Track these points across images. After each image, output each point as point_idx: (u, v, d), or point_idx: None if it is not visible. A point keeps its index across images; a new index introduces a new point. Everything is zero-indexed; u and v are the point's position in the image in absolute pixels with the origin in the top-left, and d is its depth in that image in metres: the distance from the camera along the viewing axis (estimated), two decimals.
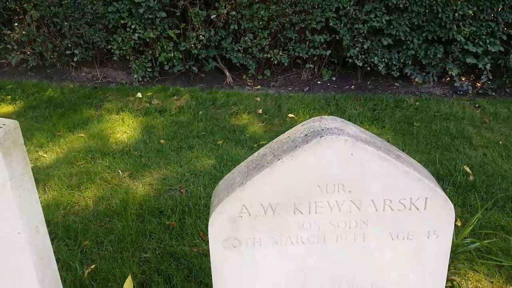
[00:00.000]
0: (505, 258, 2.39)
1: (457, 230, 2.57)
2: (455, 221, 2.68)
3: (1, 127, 1.35)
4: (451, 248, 2.11)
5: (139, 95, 4.51)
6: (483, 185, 3.03)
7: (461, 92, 4.72)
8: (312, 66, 5.00)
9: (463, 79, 4.87)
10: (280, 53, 4.84)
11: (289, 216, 1.28)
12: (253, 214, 1.26)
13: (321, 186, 1.24)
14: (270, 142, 1.37)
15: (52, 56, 5.10)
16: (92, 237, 2.51)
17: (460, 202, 2.84)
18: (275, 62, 4.93)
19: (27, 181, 1.44)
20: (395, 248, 1.33)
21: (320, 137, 1.19)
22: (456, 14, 4.48)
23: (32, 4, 4.88)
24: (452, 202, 2.82)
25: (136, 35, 4.75)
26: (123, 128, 3.80)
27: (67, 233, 2.52)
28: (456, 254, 2.13)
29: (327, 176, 1.23)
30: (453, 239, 2.13)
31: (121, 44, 4.81)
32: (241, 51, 4.86)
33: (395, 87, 4.83)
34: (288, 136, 1.29)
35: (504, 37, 4.62)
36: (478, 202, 2.84)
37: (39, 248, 1.50)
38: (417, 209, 1.26)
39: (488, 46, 4.59)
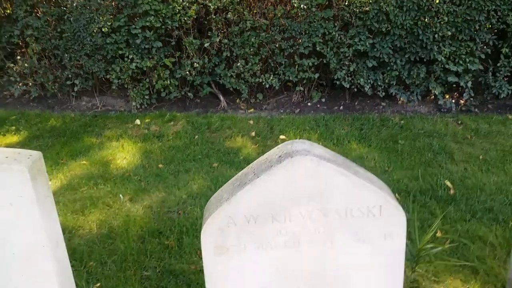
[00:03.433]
0: (480, 265, 2.58)
1: (437, 241, 2.77)
2: (436, 233, 2.88)
3: (29, 158, 1.61)
4: (416, 251, 2.35)
5: (138, 121, 4.73)
6: (463, 198, 3.23)
7: (445, 110, 4.95)
8: (302, 88, 5.23)
9: (447, 97, 5.10)
10: (271, 77, 5.08)
11: (268, 225, 1.50)
12: (238, 224, 1.48)
13: (293, 198, 1.47)
14: (252, 163, 1.61)
15: (53, 87, 5.33)
16: (96, 257, 2.69)
17: (440, 215, 3.03)
18: (267, 86, 5.16)
19: (49, 202, 1.70)
20: (358, 249, 1.55)
21: (291, 157, 1.43)
22: (436, 36, 4.73)
23: (34, 37, 5.13)
24: (433, 215, 3.03)
25: (134, 64, 4.98)
26: (123, 154, 4.01)
27: (73, 255, 2.70)
28: (420, 258, 2.36)
29: (298, 189, 1.46)
30: (416, 244, 2.35)
31: (119, 73, 5.05)
32: (234, 76, 5.10)
33: (381, 106, 5.06)
34: (266, 158, 1.53)
35: (483, 56, 4.88)
36: (457, 214, 3.03)
37: (59, 259, 1.74)
38: (374, 215, 1.49)
39: (468, 65, 4.84)
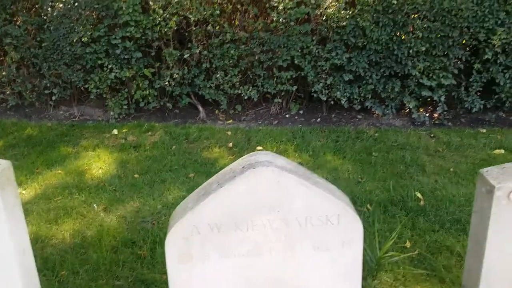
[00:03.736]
0: (447, 274, 2.65)
1: (405, 251, 2.84)
2: (405, 243, 2.94)
3: None
4: (376, 260, 2.43)
5: (115, 131, 4.73)
6: (432, 209, 3.31)
7: (419, 123, 5.06)
8: (280, 100, 5.30)
9: (421, 110, 5.22)
10: (250, 89, 5.14)
11: (231, 234, 1.55)
12: (202, 232, 1.53)
13: (256, 208, 1.52)
14: (217, 174, 1.65)
15: (31, 96, 5.31)
16: (68, 267, 2.69)
17: (410, 225, 3.11)
18: (246, 98, 5.22)
19: (17, 210, 1.73)
20: (317, 257, 1.60)
21: (253, 168, 1.49)
22: (411, 51, 4.86)
23: (12, 46, 5.12)
24: (402, 226, 3.11)
25: (113, 74, 5.00)
26: (98, 164, 4.01)
27: (45, 264, 2.70)
28: (380, 266, 2.43)
29: (260, 199, 1.51)
30: (376, 252, 2.42)
31: (98, 83, 5.06)
32: (213, 87, 5.15)
33: (357, 119, 5.16)
34: (230, 169, 1.58)
35: (456, 71, 5.02)
36: (426, 225, 3.11)
37: (26, 265, 1.77)
38: (332, 224, 1.55)
39: (442, 79, 4.97)
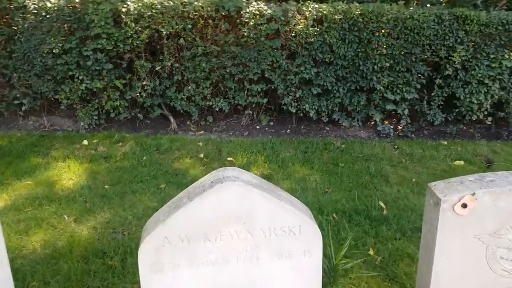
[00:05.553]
0: (407, 280, 2.79)
1: (370, 259, 2.97)
2: (368, 251, 3.08)
3: None
4: (333, 266, 2.57)
5: (85, 142, 4.74)
6: (395, 218, 3.47)
7: (384, 135, 5.27)
8: (251, 112, 5.42)
9: (386, 122, 5.43)
10: (221, 101, 5.25)
11: (201, 244, 1.65)
12: (173, 243, 1.62)
13: (223, 220, 1.63)
14: (187, 188, 1.74)
15: (0, 106, 5.26)
16: (39, 278, 2.70)
17: (373, 234, 3.25)
18: (217, 109, 5.32)
19: None
20: (281, 265, 1.72)
21: (221, 183, 1.60)
22: (375, 66, 5.07)
23: None
24: (367, 233, 3.24)
25: (84, 85, 5.02)
26: (69, 175, 4.02)
27: (15, 275, 2.69)
28: (337, 272, 2.60)
29: (227, 211, 1.63)
30: (332, 259, 2.56)
31: (68, 94, 5.06)
32: (185, 99, 5.23)
33: (325, 131, 5.32)
34: (200, 183, 1.68)
35: (418, 86, 5.26)
36: (389, 233, 3.26)
37: (3, 279, 1.82)
38: (294, 234, 1.67)
39: (405, 94, 5.20)
